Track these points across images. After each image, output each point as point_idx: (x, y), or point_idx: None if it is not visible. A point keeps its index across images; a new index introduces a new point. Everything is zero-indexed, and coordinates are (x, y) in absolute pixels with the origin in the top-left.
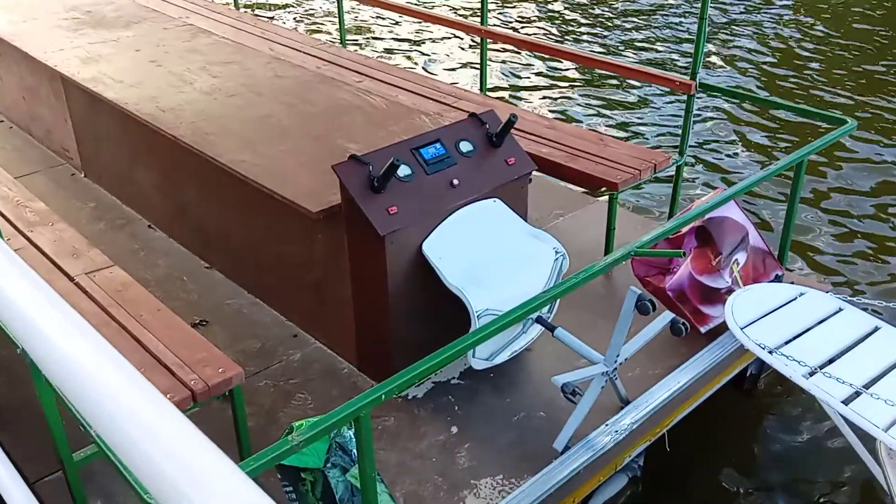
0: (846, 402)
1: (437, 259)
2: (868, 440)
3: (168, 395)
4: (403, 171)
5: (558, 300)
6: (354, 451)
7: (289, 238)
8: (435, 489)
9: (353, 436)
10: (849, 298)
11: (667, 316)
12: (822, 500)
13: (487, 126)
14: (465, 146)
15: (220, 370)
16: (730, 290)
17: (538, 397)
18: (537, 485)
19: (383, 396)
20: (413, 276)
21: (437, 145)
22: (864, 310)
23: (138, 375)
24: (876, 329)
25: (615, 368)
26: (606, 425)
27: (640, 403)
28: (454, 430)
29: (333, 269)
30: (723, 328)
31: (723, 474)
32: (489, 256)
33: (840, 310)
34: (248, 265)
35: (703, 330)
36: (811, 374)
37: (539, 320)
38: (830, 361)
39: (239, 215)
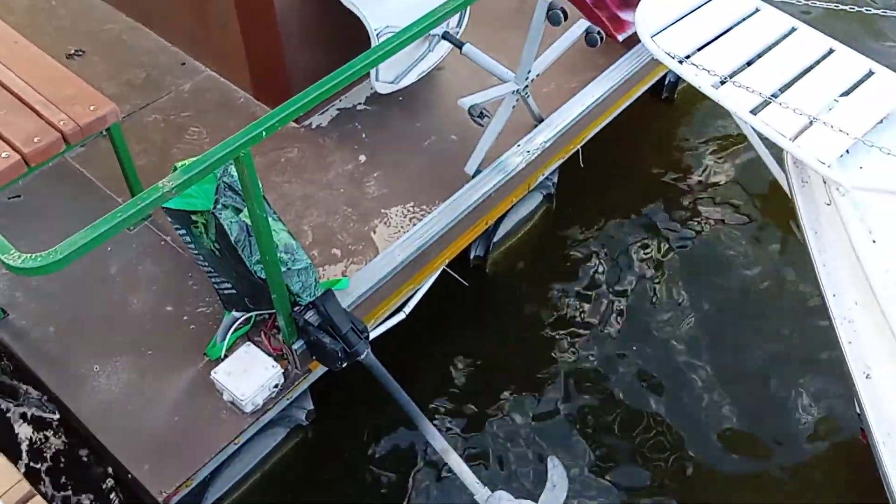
0: (755, 111)
1: None
2: (777, 148)
3: (35, 140)
4: None
5: (467, 14)
6: None
7: None
8: (344, 220)
9: None
10: None
11: (581, 25)
12: (726, 200)
13: None
14: None
15: (91, 108)
16: None
17: (450, 120)
18: (448, 210)
19: (264, 133)
20: None
21: None
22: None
23: None
24: (793, 30)
25: (527, 86)
26: (518, 145)
27: (553, 121)
28: (362, 158)
29: None
30: None
31: (636, 186)
32: None
33: (757, 10)
34: None
35: (620, 38)
36: (721, 83)
37: (446, 36)
38: (744, 67)
39: None
